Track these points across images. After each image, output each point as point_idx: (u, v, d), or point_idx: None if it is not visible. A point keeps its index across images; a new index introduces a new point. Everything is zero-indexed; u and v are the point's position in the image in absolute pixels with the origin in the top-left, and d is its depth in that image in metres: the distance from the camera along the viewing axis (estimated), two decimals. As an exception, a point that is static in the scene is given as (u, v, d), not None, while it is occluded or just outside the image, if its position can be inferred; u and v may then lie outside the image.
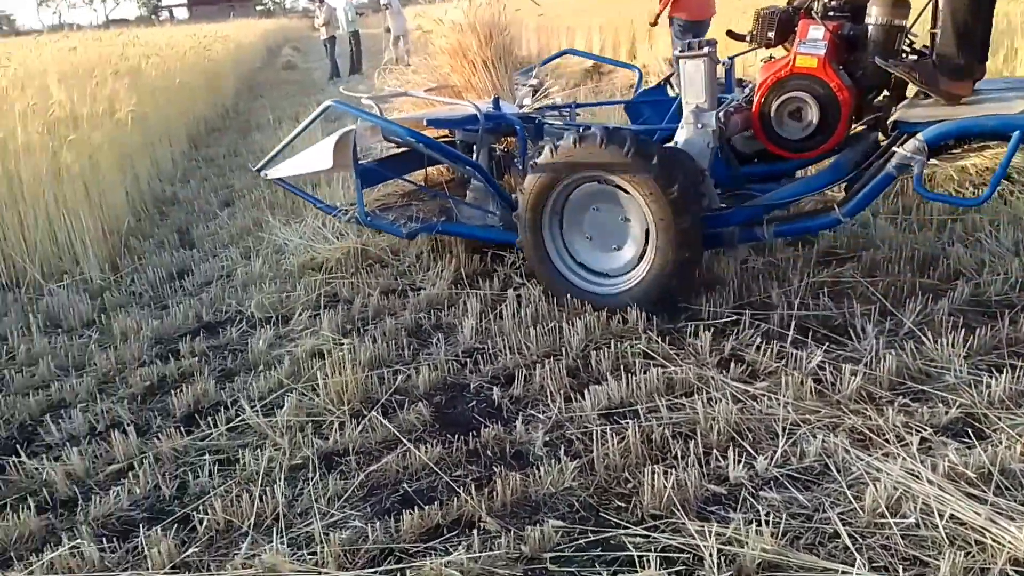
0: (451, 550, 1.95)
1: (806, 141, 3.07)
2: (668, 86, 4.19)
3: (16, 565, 2.04)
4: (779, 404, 2.43)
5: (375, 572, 1.90)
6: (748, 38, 3.29)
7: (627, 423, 2.38)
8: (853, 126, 3.16)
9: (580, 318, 3.05)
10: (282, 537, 2.07)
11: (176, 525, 2.17)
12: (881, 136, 3.13)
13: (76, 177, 4.56)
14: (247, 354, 3.17)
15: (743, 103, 3.26)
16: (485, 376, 2.82)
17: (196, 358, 3.18)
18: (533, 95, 4.33)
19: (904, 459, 2.09)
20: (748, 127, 3.20)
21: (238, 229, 4.99)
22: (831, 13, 3.04)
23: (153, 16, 79.11)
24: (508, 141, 4.06)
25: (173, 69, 7.54)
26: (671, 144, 3.17)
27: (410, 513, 2.07)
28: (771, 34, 3.16)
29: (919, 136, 2.77)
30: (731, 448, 2.22)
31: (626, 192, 3.00)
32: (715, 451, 2.23)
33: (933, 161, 3.51)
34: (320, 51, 18.23)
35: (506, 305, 3.27)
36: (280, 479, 2.30)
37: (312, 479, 2.31)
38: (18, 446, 2.63)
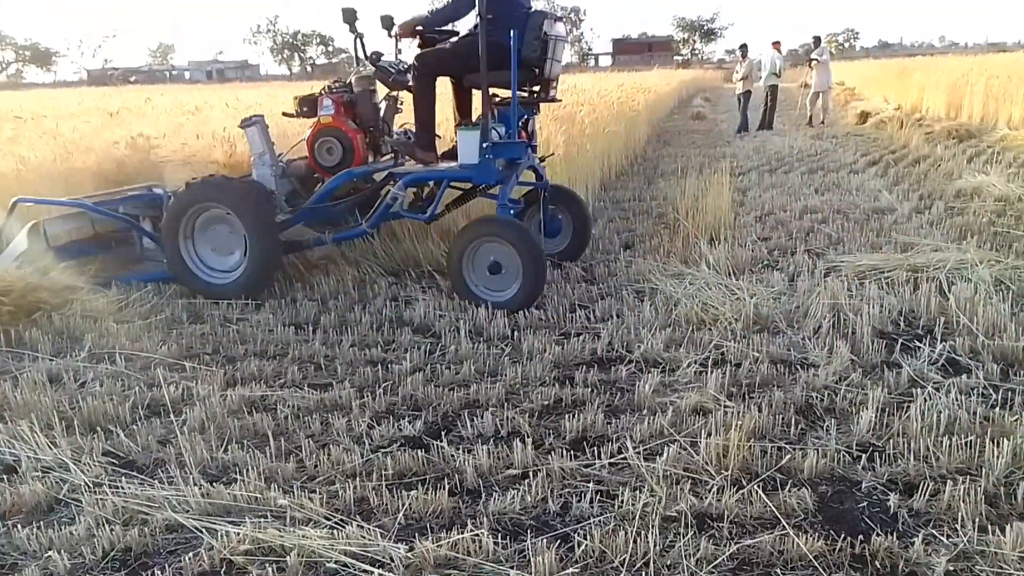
0: (824, 657, 1.84)
1: (339, 165, 5.04)
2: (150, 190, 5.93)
3: (429, 536, 2.41)
4: None
5: (738, 651, 1.87)
6: (295, 113, 5.30)
7: (1060, 580, 2.01)
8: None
9: (1008, 439, 2.65)
10: (650, 584, 2.14)
11: (558, 541, 2.37)
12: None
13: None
14: (633, 395, 3.34)
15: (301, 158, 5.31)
16: (880, 478, 2.60)
17: (588, 388, 3.44)
18: None
19: None
20: (308, 170, 5.27)
21: (635, 272, 5.25)
22: (335, 90, 5.16)
23: (582, 62, 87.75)
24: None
25: (601, 118, 8.27)
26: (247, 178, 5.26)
27: (781, 602, 2.00)
28: (306, 108, 5.19)
29: (400, 181, 4.86)
30: None
31: (228, 213, 4.86)
32: None
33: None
34: (729, 102, 18.19)
35: (916, 405, 2.97)
36: (654, 526, 2.38)
37: (684, 536, 2.35)
38: (442, 432, 3.11)
